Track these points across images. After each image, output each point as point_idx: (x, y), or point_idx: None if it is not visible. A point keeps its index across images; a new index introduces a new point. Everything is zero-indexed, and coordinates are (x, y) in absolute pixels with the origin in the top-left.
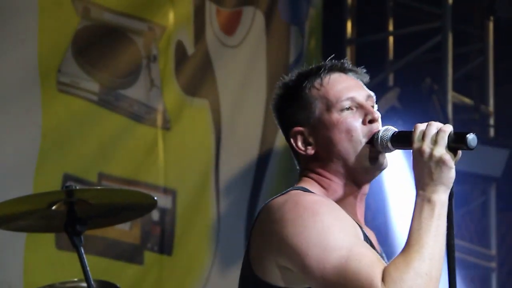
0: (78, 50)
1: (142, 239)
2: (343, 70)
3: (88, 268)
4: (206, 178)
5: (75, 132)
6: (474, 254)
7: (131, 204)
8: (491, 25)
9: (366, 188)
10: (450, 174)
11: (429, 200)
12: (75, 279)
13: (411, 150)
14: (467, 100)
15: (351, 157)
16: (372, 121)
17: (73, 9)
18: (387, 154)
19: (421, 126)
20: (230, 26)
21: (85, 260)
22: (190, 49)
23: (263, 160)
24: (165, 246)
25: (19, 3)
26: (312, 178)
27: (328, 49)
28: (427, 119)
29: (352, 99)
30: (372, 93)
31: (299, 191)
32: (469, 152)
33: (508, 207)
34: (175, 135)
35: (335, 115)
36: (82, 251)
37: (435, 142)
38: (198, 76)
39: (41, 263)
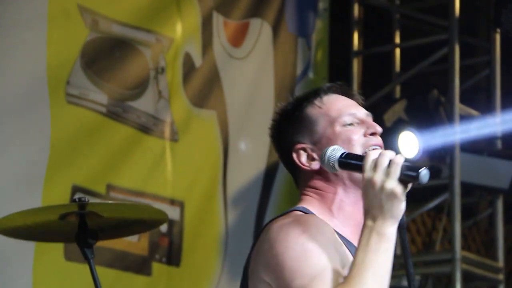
0: (86, 62)
1: (150, 250)
2: (340, 92)
3: (99, 281)
4: (214, 190)
5: (83, 144)
6: (481, 266)
7: (142, 219)
8: (498, 37)
9: None
10: (400, 207)
11: (378, 233)
12: None
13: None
14: (474, 112)
15: None
16: (373, 134)
17: (81, 21)
18: None
19: (373, 155)
20: (237, 38)
21: (96, 272)
22: (197, 61)
23: (270, 171)
24: (173, 257)
25: (28, 15)
26: (313, 196)
27: (335, 61)
28: (434, 131)
29: (353, 115)
30: (369, 113)
31: (297, 212)
32: (476, 164)
33: None
34: (182, 147)
35: (338, 129)
36: (93, 263)
37: (387, 174)
38: (205, 87)
39: (50, 275)
